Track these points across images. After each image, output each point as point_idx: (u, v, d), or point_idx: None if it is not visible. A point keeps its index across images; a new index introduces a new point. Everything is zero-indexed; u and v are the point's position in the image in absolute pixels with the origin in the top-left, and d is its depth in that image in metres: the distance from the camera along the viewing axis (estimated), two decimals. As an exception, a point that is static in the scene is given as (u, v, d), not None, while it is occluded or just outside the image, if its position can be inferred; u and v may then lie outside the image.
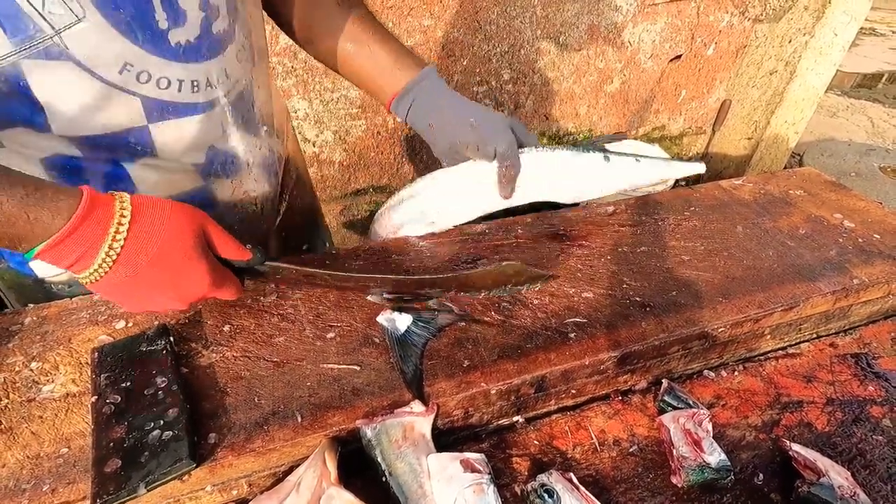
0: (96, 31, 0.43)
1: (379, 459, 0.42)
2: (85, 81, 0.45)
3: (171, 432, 0.41)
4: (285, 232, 0.76)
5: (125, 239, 0.41)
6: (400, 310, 0.51)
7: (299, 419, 0.44)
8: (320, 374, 0.48)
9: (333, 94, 1.59)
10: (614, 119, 2.04)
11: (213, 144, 0.58)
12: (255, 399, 0.45)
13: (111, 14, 0.43)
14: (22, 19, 0.40)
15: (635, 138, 2.10)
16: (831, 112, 3.10)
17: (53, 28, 0.41)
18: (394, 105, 0.64)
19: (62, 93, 0.45)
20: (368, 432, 0.43)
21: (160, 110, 0.50)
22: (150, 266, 0.43)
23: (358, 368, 0.48)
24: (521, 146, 0.63)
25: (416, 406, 0.45)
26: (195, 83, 0.51)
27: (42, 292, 0.61)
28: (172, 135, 0.53)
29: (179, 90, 0.50)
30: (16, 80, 0.43)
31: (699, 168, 0.70)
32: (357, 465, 0.44)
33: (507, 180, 0.62)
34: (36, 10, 0.40)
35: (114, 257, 0.41)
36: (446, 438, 0.49)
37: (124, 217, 0.42)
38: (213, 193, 0.61)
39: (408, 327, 0.50)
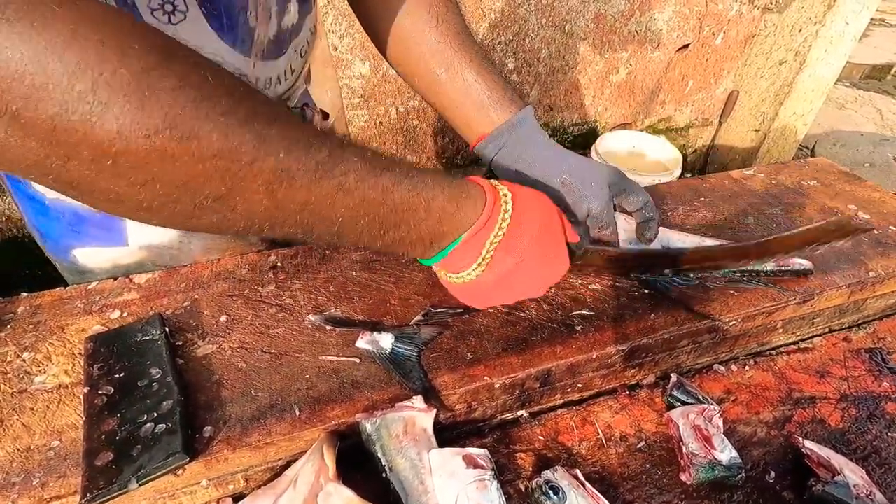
0: (194, 27, 0.41)
1: (379, 454, 0.41)
2: None
3: (164, 425, 0.39)
4: None
5: (508, 224, 0.41)
6: (379, 329, 0.49)
7: (297, 413, 0.42)
8: (319, 367, 0.46)
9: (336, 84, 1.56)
10: (620, 110, 2.02)
11: None
12: (253, 391, 0.44)
13: (209, 10, 0.41)
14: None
15: (641, 130, 2.08)
16: (839, 104, 3.06)
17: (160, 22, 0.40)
18: (480, 145, 0.55)
19: None
20: (368, 427, 0.41)
21: None
22: (532, 249, 0.42)
23: (358, 361, 0.47)
24: (624, 195, 0.54)
25: (417, 401, 0.43)
26: (268, 80, 0.51)
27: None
28: None
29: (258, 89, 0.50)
30: None
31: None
32: (357, 459, 0.43)
33: (605, 242, 0.54)
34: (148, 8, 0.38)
35: (497, 242, 0.41)
36: (448, 433, 0.48)
37: (507, 198, 0.42)
38: None
39: (392, 345, 0.47)
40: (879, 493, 0.44)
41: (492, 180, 0.44)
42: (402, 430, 0.42)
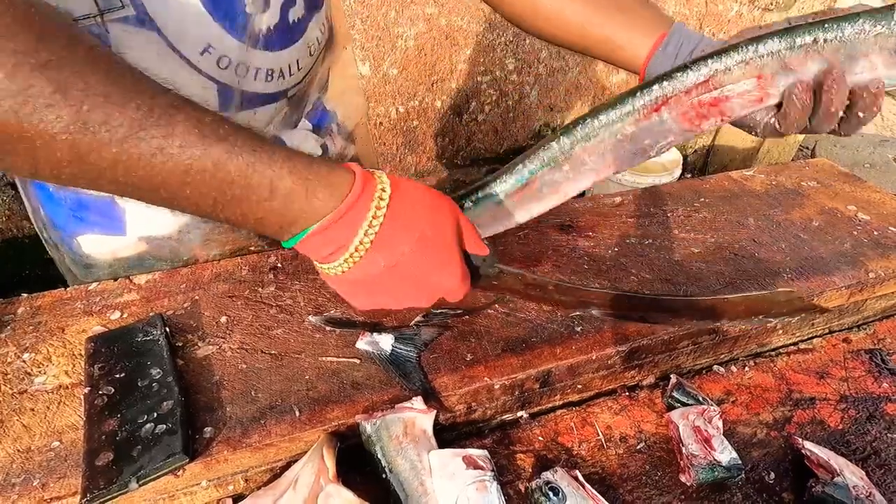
0: (184, 5, 0.42)
1: (379, 456, 0.41)
2: (166, 56, 0.43)
3: (164, 426, 0.39)
4: None
5: (384, 218, 0.37)
6: (379, 330, 0.48)
7: (297, 414, 0.43)
8: (319, 368, 0.46)
9: (335, 84, 1.56)
10: (620, 110, 2.01)
11: (278, 137, 0.57)
12: (253, 392, 0.44)
13: None
14: None
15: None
16: (840, 105, 3.05)
17: None
18: (658, 53, 0.50)
19: (142, 64, 0.44)
20: (368, 428, 0.42)
21: (234, 98, 0.49)
22: (413, 254, 0.38)
23: (358, 362, 0.47)
24: None
25: (417, 402, 0.43)
26: (270, 72, 0.51)
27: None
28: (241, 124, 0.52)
29: (255, 78, 0.50)
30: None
31: None
32: (357, 461, 0.43)
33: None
34: None
35: (368, 243, 0.37)
36: (448, 434, 0.48)
37: (384, 194, 0.37)
38: None
39: (392, 346, 0.47)
40: (879, 494, 0.44)
41: (376, 171, 0.39)
42: (402, 432, 0.42)
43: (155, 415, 0.40)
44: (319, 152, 0.64)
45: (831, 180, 0.76)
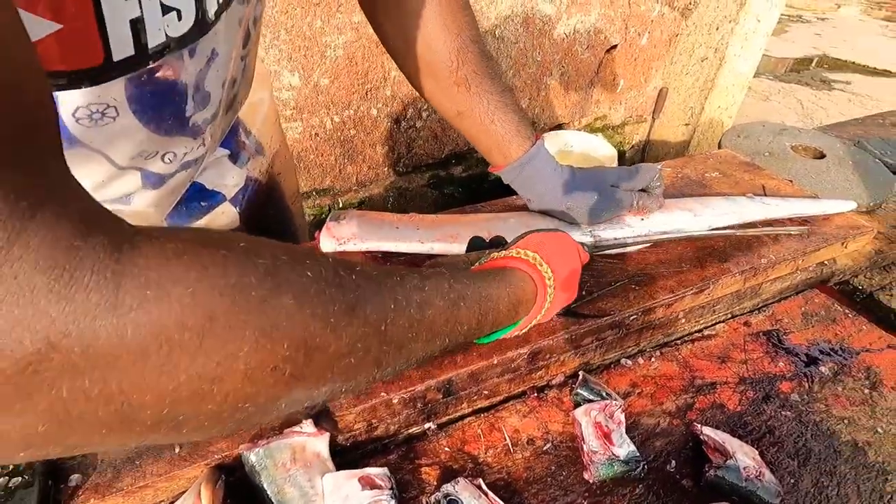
0: (122, 128, 0.38)
1: (265, 485, 0.39)
2: (94, 163, 0.40)
3: (20, 479, 0.36)
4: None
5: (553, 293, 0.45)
6: None
7: (176, 450, 0.40)
8: (206, 397, 0.44)
9: (264, 96, 1.52)
10: (556, 111, 2.06)
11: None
12: (131, 431, 0.41)
13: (143, 115, 0.38)
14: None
15: (579, 129, 2.13)
16: (764, 96, 3.24)
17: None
18: (499, 174, 0.62)
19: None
20: (252, 458, 0.39)
21: (157, 181, 0.46)
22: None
23: (249, 387, 0.45)
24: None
25: (307, 425, 0.42)
26: (191, 149, 0.47)
27: None
28: (156, 197, 0.48)
29: (181, 159, 0.46)
30: None
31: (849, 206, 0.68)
32: (248, 492, 0.41)
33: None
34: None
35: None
36: (352, 454, 0.46)
37: (550, 284, 0.44)
38: None
39: None
40: (769, 472, 0.45)
41: (522, 254, 0.44)
42: (290, 458, 0.40)
43: (9, 467, 0.37)
44: (242, 184, 0.61)
45: (733, 170, 0.79)
